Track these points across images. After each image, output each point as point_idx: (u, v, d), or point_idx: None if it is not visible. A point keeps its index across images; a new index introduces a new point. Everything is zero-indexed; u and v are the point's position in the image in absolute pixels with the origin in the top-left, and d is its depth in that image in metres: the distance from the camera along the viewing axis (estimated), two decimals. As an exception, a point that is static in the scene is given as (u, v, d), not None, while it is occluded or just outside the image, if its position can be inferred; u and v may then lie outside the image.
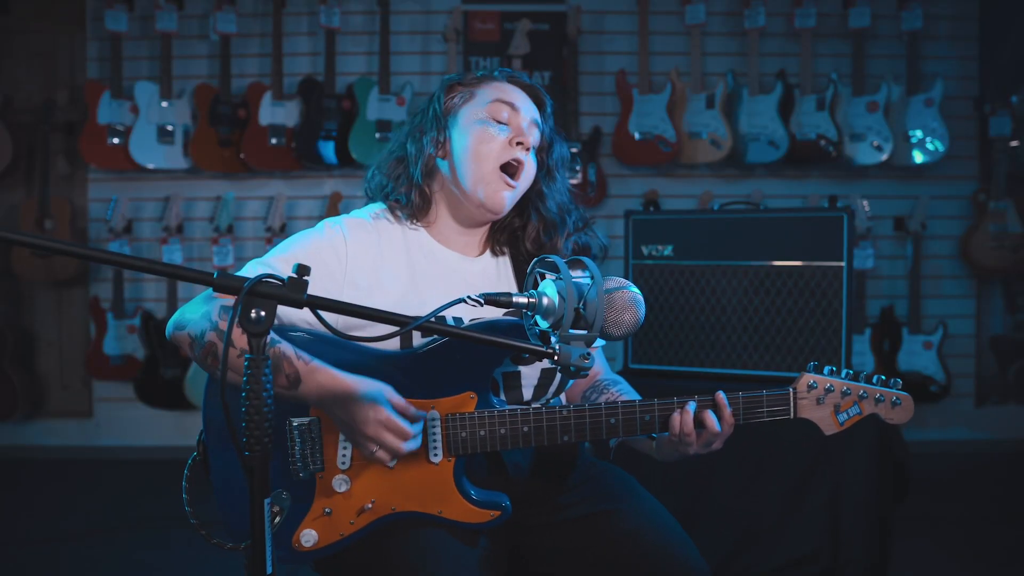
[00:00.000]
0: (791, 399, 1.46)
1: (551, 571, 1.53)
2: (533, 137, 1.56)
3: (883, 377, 1.47)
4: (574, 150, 4.02)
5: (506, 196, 1.52)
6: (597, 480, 1.58)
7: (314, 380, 1.34)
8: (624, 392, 1.62)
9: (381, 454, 1.33)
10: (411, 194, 1.55)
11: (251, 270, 1.45)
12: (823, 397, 1.46)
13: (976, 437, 4.26)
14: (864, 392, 1.46)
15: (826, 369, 1.47)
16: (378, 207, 1.59)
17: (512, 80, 1.60)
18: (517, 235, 1.62)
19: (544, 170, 1.60)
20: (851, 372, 1.47)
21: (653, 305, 2.68)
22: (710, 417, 1.41)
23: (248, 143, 3.99)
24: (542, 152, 1.60)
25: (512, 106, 1.54)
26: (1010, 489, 3.66)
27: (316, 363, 1.35)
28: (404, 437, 1.31)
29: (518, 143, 1.51)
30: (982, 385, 4.29)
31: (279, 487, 1.34)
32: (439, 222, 1.58)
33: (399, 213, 1.56)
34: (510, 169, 1.52)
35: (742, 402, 1.45)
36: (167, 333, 1.44)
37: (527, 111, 1.56)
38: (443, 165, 1.56)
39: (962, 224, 4.16)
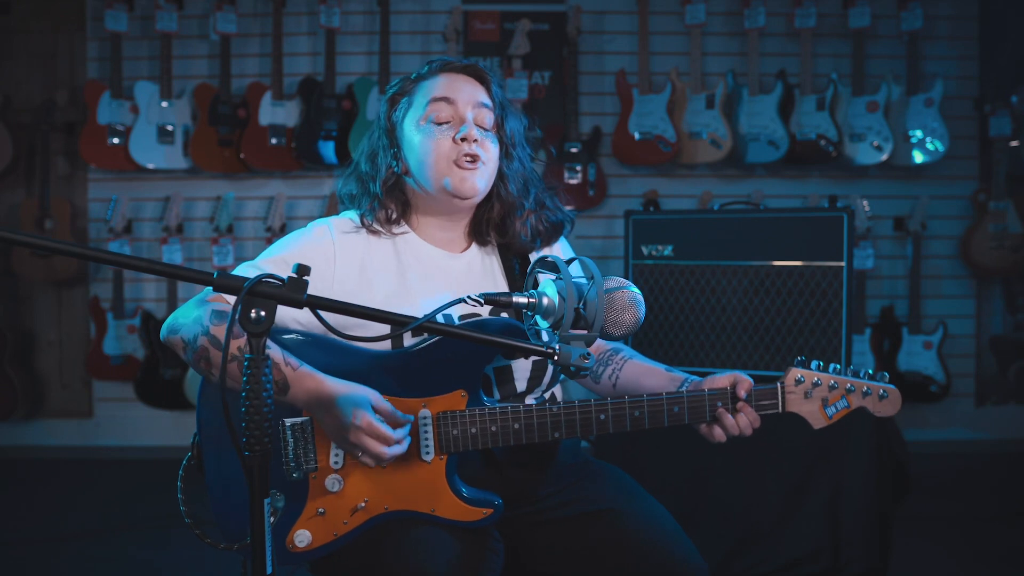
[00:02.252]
0: (779, 393, 1.47)
1: (548, 570, 1.53)
2: (482, 120, 1.52)
3: (870, 371, 1.49)
4: (574, 150, 4.03)
5: (473, 179, 1.48)
6: (595, 479, 1.58)
7: (302, 385, 1.34)
8: (630, 357, 1.63)
9: (365, 459, 1.33)
10: (375, 207, 1.53)
11: (242, 273, 1.45)
12: (811, 391, 1.47)
13: (976, 437, 4.26)
14: (851, 386, 1.47)
15: (813, 363, 1.48)
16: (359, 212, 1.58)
17: (447, 68, 1.56)
18: (486, 225, 1.59)
19: (503, 149, 1.56)
20: (838, 366, 1.49)
21: (653, 305, 2.68)
22: (729, 418, 1.45)
23: (248, 143, 3.99)
24: (497, 130, 1.56)
25: (447, 100, 1.50)
26: (1010, 489, 3.66)
27: (304, 368, 1.35)
28: (387, 443, 1.30)
29: (463, 139, 1.48)
30: (982, 385, 4.29)
31: (272, 488, 1.34)
32: (421, 222, 1.58)
33: (372, 221, 1.54)
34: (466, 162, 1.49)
35: (731, 398, 1.46)
36: (161, 336, 1.45)
37: (467, 97, 1.52)
38: (408, 180, 1.55)
39: (962, 224, 4.16)
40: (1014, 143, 3.99)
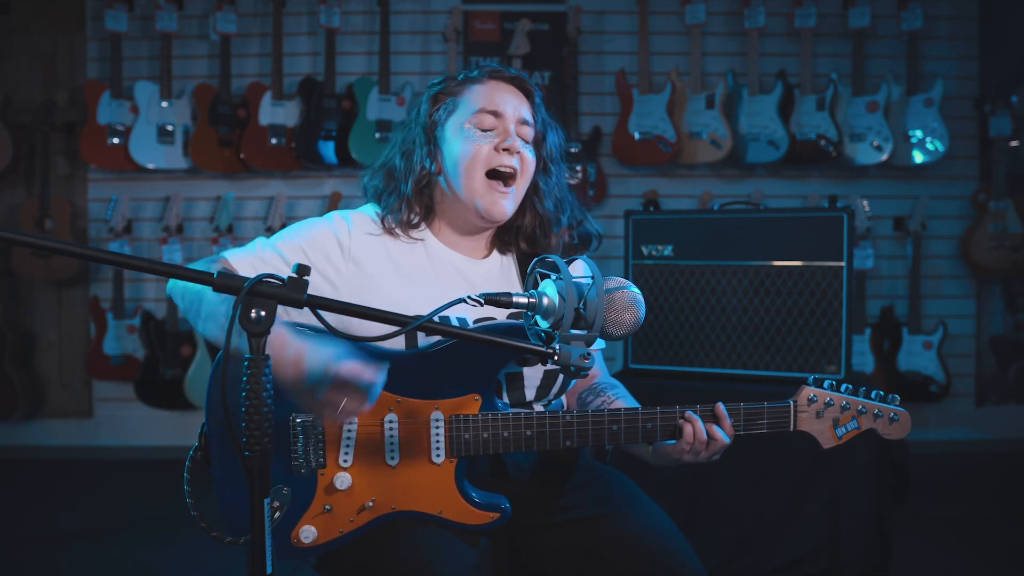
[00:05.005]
0: (791, 412, 1.46)
1: (549, 572, 1.53)
2: (525, 135, 1.54)
3: (882, 393, 1.48)
4: (574, 150, 4.02)
5: (503, 204, 1.51)
6: (598, 483, 1.58)
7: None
8: (620, 397, 1.62)
9: (351, 404, 1.23)
10: (402, 208, 1.54)
11: (259, 248, 1.48)
12: (823, 411, 1.46)
13: (976, 437, 4.26)
14: (863, 407, 1.47)
15: (826, 382, 1.48)
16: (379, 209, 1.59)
17: (495, 76, 1.57)
18: (515, 233, 1.60)
19: (540, 164, 1.58)
20: (850, 387, 1.48)
21: (653, 305, 2.68)
22: (716, 430, 1.42)
23: (248, 143, 3.99)
24: (537, 146, 1.57)
25: (495, 113, 1.52)
26: (1010, 489, 3.66)
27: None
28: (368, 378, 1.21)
29: (505, 149, 1.49)
30: (982, 385, 4.29)
31: (280, 482, 1.34)
32: (443, 226, 1.59)
33: (394, 223, 1.55)
34: (502, 175, 1.51)
35: (743, 413, 1.45)
36: (167, 288, 1.49)
37: (513, 111, 1.53)
38: (440, 179, 1.56)
39: (962, 224, 4.16)
40: (1014, 143, 3.99)
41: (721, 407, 1.43)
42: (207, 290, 1.39)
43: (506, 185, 1.51)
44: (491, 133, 1.51)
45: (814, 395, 1.46)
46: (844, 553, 2.49)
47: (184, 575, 2.85)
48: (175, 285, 1.49)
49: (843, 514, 2.49)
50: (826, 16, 4.08)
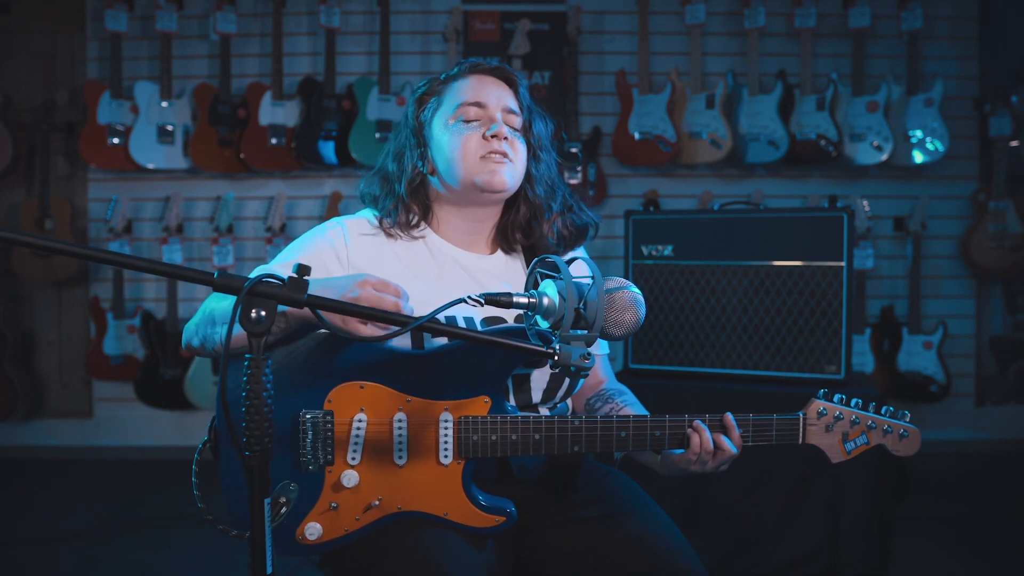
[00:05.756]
0: (800, 425, 1.46)
1: (551, 572, 1.53)
2: (511, 123, 1.54)
3: (891, 408, 1.48)
4: (573, 150, 4.03)
5: (502, 172, 1.50)
6: (600, 484, 1.58)
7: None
8: (628, 404, 1.62)
9: (372, 325, 1.25)
10: (398, 209, 1.54)
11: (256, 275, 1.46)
12: (832, 425, 1.46)
13: (976, 437, 4.26)
14: (873, 423, 1.47)
15: (836, 397, 1.48)
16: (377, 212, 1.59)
17: (475, 69, 1.57)
18: (512, 228, 1.60)
19: (530, 151, 1.58)
20: (860, 401, 1.47)
21: (653, 305, 2.68)
22: (723, 440, 1.42)
23: (248, 143, 3.99)
24: (525, 134, 1.57)
25: (478, 104, 1.52)
26: (1010, 489, 3.66)
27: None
28: (397, 295, 1.27)
29: (493, 136, 1.49)
30: (982, 385, 4.29)
31: (288, 478, 1.34)
32: (443, 223, 1.58)
33: (392, 224, 1.55)
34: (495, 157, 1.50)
35: (752, 424, 1.45)
36: (184, 342, 1.50)
37: (496, 101, 1.54)
38: (432, 180, 1.56)
39: (962, 224, 4.17)
40: (1014, 143, 3.99)
41: (730, 417, 1.43)
42: (215, 309, 1.42)
43: (501, 157, 1.50)
44: (477, 123, 1.52)
45: (824, 408, 1.46)
46: (844, 553, 2.49)
47: (184, 575, 2.85)
48: (188, 333, 1.49)
49: (843, 514, 2.49)
50: (826, 16, 4.08)
